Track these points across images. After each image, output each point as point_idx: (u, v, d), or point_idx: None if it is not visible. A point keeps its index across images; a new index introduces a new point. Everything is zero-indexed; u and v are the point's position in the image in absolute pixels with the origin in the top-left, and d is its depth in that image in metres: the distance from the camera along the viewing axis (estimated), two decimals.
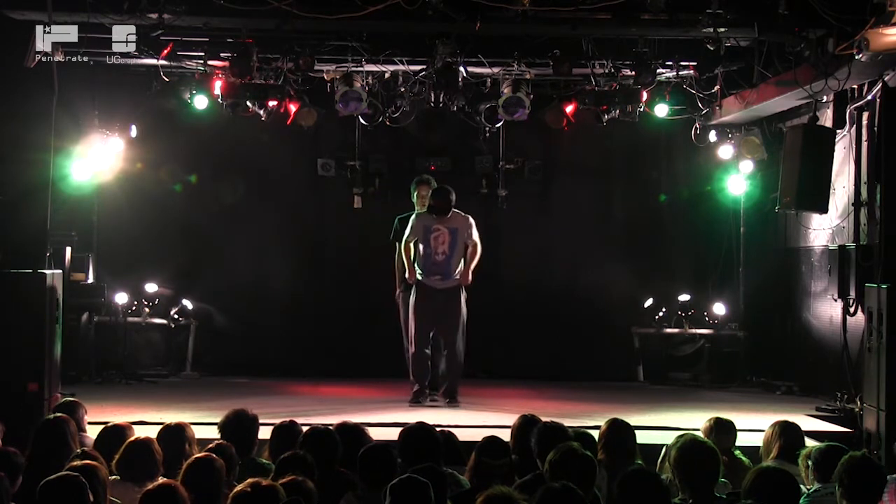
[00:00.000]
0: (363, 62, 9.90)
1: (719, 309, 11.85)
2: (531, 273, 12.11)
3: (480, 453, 5.16)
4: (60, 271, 8.86)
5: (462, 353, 9.61)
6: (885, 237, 8.56)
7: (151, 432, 5.60)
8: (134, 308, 11.58)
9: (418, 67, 10.05)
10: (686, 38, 9.07)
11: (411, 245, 9.55)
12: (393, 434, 6.02)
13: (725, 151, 11.28)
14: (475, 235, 9.60)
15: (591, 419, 7.98)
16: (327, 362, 11.75)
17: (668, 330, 11.87)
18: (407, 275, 9.60)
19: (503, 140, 11.61)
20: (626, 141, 11.69)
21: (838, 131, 9.49)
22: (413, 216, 9.69)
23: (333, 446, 5.24)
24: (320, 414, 8.31)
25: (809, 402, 9.93)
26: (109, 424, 5.90)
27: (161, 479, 4.49)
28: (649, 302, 11.85)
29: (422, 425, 5.54)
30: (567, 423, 5.71)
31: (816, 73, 8.27)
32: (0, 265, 8.21)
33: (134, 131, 11.00)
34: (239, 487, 4.11)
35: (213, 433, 5.81)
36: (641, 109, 10.34)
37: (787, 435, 5.89)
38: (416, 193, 9.81)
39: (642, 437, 6.31)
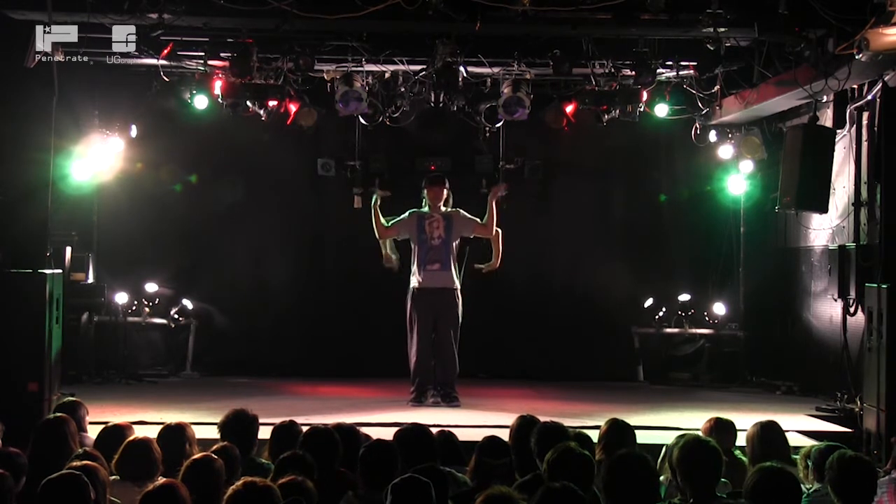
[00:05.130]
0: (363, 62, 9.90)
1: (719, 309, 11.86)
2: (531, 273, 12.12)
3: (481, 453, 5.16)
4: (60, 271, 8.86)
5: (457, 353, 9.63)
6: (885, 237, 8.58)
7: (151, 432, 5.60)
8: (134, 308, 11.59)
9: (418, 67, 10.05)
10: (686, 38, 9.06)
11: (392, 231, 9.73)
12: (392, 434, 6.01)
13: (725, 151, 11.28)
14: (472, 217, 9.75)
15: (591, 419, 7.98)
16: (327, 362, 11.76)
17: (668, 330, 11.88)
18: (384, 260, 9.78)
19: (503, 140, 11.60)
20: (626, 141, 11.68)
21: (838, 131, 9.50)
22: (408, 211, 9.75)
23: (333, 446, 5.23)
24: (320, 414, 8.31)
25: (809, 402, 9.94)
26: (109, 424, 5.89)
27: (161, 479, 4.48)
28: (649, 302, 11.86)
29: (416, 426, 5.54)
30: (567, 423, 5.70)
31: (816, 73, 8.27)
32: (0, 265, 8.21)
33: (134, 131, 11.01)
34: (234, 487, 4.08)
35: (213, 433, 5.80)
36: (641, 109, 10.33)
37: (766, 436, 5.84)
38: (424, 193, 9.78)
39: (642, 437, 6.33)
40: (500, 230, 9.81)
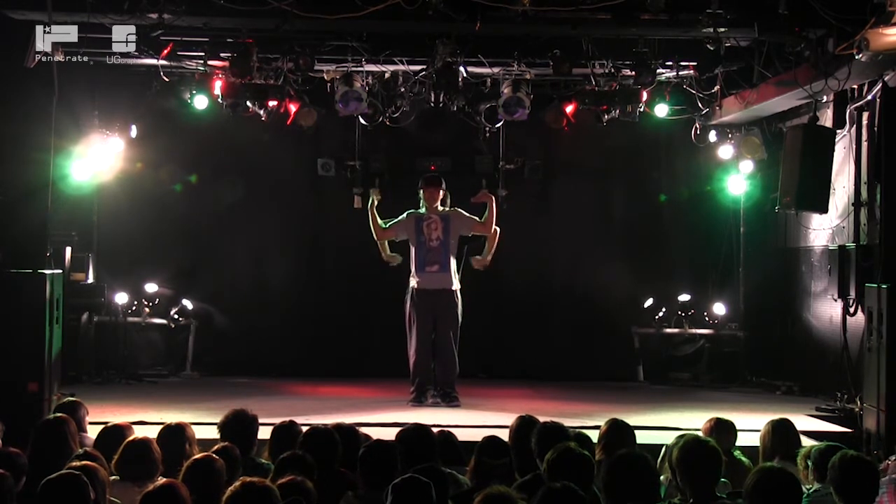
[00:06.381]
0: (363, 62, 9.90)
1: (719, 309, 11.86)
2: (531, 273, 12.12)
3: (480, 453, 5.16)
4: (60, 271, 8.86)
5: (456, 354, 9.63)
6: (885, 237, 8.57)
7: (151, 432, 5.60)
8: (134, 308, 11.59)
9: (418, 67, 10.05)
10: (686, 38, 9.06)
11: (390, 233, 9.76)
12: (392, 434, 6.01)
13: (725, 151, 11.28)
14: (470, 215, 9.74)
15: (591, 419, 7.99)
16: (327, 362, 11.76)
17: (668, 330, 11.88)
18: (383, 256, 9.87)
19: (503, 140, 11.60)
20: (626, 141, 11.68)
21: (838, 131, 9.49)
22: (405, 213, 9.76)
23: (333, 446, 5.23)
24: (320, 414, 8.31)
25: (809, 402, 9.93)
26: (109, 424, 5.90)
27: (161, 479, 4.48)
28: (649, 302, 11.85)
29: (418, 426, 5.54)
30: (567, 423, 5.71)
31: (816, 73, 8.27)
32: (0, 265, 8.21)
33: (134, 131, 11.00)
34: (232, 487, 4.08)
35: (213, 433, 5.80)
36: (641, 109, 10.32)
37: (782, 432, 5.92)
38: (421, 193, 9.81)
39: (642, 437, 6.32)
40: (498, 228, 9.81)
